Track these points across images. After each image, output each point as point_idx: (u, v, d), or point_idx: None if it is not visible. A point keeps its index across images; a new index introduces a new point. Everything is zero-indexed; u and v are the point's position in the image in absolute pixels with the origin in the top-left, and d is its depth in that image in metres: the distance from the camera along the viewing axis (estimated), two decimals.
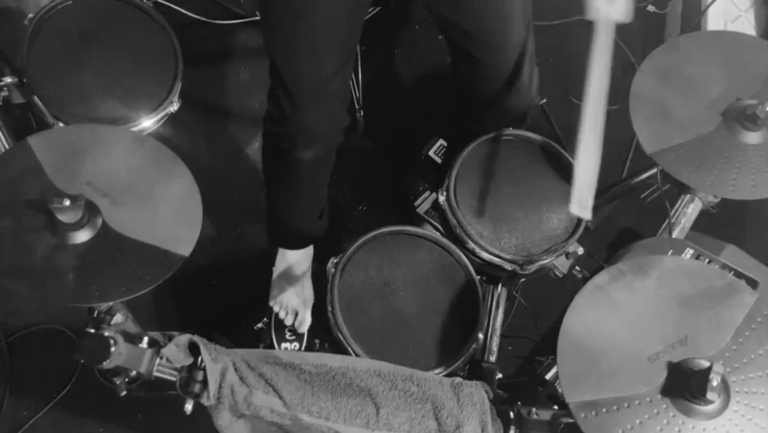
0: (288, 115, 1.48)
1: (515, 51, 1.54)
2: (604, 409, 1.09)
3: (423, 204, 1.92)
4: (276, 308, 1.75)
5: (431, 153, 1.95)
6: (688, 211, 1.59)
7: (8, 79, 1.67)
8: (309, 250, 1.81)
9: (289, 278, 1.77)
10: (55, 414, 1.79)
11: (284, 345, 1.74)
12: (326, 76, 1.45)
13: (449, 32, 1.57)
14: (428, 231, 1.53)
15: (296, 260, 1.78)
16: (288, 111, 1.48)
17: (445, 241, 1.50)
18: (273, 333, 1.75)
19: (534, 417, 1.23)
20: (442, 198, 1.53)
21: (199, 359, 1.17)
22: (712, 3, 2.28)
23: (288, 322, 1.74)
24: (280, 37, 1.43)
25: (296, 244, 1.77)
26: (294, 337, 1.74)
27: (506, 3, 1.47)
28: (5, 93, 1.68)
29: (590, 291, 1.19)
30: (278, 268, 1.79)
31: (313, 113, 1.49)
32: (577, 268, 1.53)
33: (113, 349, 1.09)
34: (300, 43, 1.42)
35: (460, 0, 1.47)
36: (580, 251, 1.53)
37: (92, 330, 1.12)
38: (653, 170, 1.59)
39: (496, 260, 1.49)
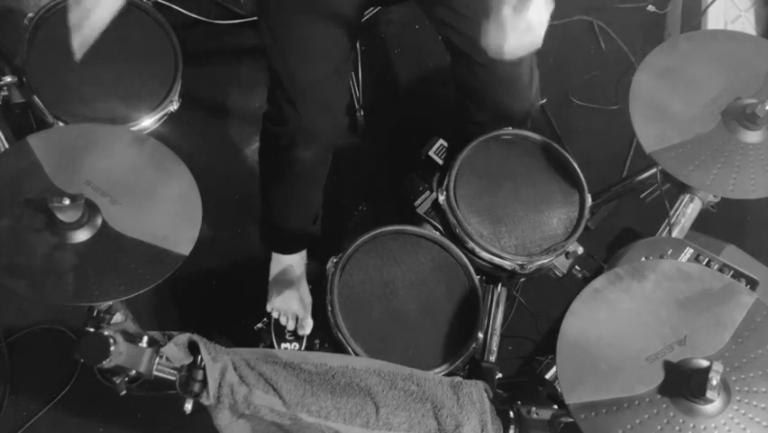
0: (287, 115, 1.49)
1: None
2: (603, 410, 1.08)
3: (423, 204, 1.92)
4: (275, 315, 1.75)
5: (431, 153, 1.95)
6: (687, 211, 1.59)
7: (8, 79, 1.67)
8: (303, 254, 1.81)
9: (285, 283, 1.77)
10: (55, 414, 1.79)
11: (284, 345, 1.74)
12: (324, 76, 1.45)
13: (447, 34, 1.56)
14: (428, 231, 1.53)
15: (290, 264, 1.78)
16: (287, 111, 1.48)
17: (445, 241, 1.50)
18: (273, 333, 1.75)
19: (534, 416, 1.23)
20: (442, 198, 1.53)
21: (199, 358, 1.17)
22: (712, 3, 2.28)
23: (291, 327, 1.74)
24: (277, 39, 1.43)
25: (290, 248, 1.77)
26: (294, 337, 1.74)
27: None
28: (5, 93, 1.69)
29: (589, 295, 1.19)
30: (273, 273, 1.79)
31: (311, 113, 1.49)
32: (577, 267, 1.53)
33: (112, 348, 1.08)
34: (297, 45, 1.42)
35: (456, 2, 1.47)
36: (580, 250, 1.53)
37: (92, 329, 1.12)
38: (653, 170, 1.59)
39: (496, 259, 1.49)
